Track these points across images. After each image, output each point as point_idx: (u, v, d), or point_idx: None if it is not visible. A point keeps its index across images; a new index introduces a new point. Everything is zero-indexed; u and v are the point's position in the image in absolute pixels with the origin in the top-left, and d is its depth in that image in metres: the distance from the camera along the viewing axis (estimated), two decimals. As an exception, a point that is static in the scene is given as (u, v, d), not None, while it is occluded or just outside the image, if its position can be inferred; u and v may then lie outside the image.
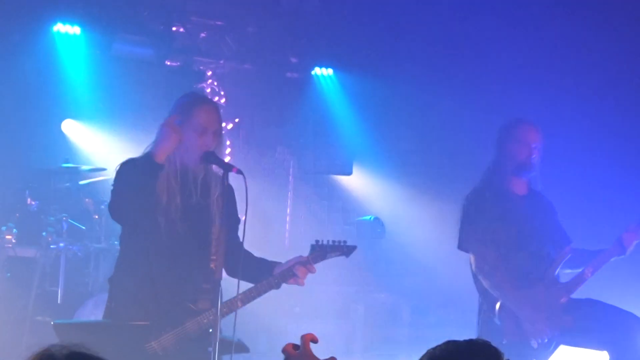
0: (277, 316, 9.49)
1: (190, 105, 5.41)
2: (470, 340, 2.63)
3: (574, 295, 6.55)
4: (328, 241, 5.54)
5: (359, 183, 11.40)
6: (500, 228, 6.46)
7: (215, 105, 5.57)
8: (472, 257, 6.51)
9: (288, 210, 11.34)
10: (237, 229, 5.51)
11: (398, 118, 10.99)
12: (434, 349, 2.64)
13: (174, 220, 5.25)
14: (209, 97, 10.70)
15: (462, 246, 6.59)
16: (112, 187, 5.33)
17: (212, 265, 5.20)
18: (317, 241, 5.52)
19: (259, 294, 5.35)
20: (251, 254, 5.55)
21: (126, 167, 5.28)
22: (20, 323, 8.32)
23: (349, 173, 11.35)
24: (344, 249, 5.58)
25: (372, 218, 10.71)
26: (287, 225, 11.28)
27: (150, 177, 5.18)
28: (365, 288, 10.49)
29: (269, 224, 10.69)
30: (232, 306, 5.25)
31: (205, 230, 5.33)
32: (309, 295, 9.97)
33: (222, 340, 5.13)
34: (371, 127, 11.06)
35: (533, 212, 6.61)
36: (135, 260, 5.28)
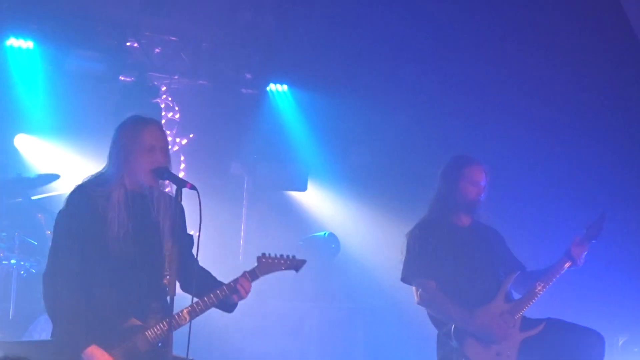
0: (230, 332, 9.45)
1: (135, 127, 5.40)
2: None
3: (533, 315, 6.60)
4: (275, 255, 5.53)
5: (314, 199, 11.43)
6: (444, 259, 6.55)
7: (159, 124, 5.54)
8: (414, 290, 6.59)
9: (242, 227, 11.36)
10: (190, 247, 5.50)
11: (352, 134, 11.04)
12: None
13: (124, 246, 5.27)
14: (163, 112, 10.68)
15: (405, 279, 6.67)
16: (59, 214, 5.33)
17: (165, 281, 5.15)
18: (263, 254, 5.52)
19: (206, 308, 5.35)
20: (208, 272, 5.55)
21: (76, 196, 5.31)
22: None
23: (304, 189, 11.40)
24: (293, 263, 5.58)
25: (326, 234, 10.79)
26: (242, 241, 11.26)
27: (100, 207, 5.24)
28: (320, 304, 10.54)
29: (223, 240, 10.66)
30: (179, 320, 5.26)
31: (157, 249, 5.33)
32: (263, 311, 9.96)
33: (176, 359, 5.11)
34: (326, 143, 11.10)
35: (478, 242, 6.72)
36: (83, 282, 5.25)
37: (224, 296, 5.37)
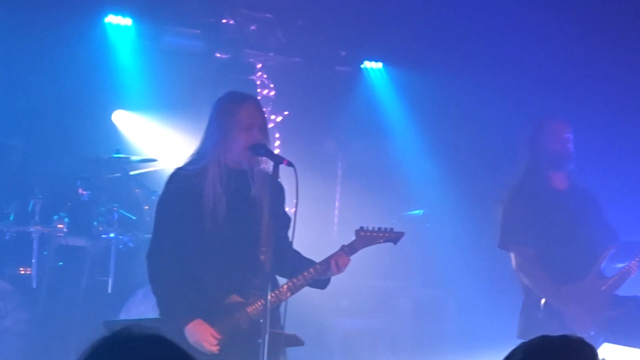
0: (323, 310, 9.46)
1: (233, 104, 5.47)
2: (565, 336, 2.63)
3: (621, 291, 6.58)
4: (373, 227, 5.57)
5: (409, 177, 11.42)
6: (541, 225, 6.55)
7: (257, 101, 5.61)
8: (512, 256, 6.60)
9: (337, 204, 11.43)
10: (287, 228, 5.54)
11: (448, 113, 10.95)
12: (528, 343, 2.63)
13: (221, 223, 5.34)
14: (259, 89, 10.81)
15: (502, 245, 6.70)
16: (159, 199, 5.49)
17: (261, 257, 5.23)
18: (361, 227, 5.56)
19: (305, 282, 5.43)
20: (300, 253, 5.60)
21: (173, 178, 5.44)
22: (70, 311, 8.42)
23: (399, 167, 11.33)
24: (392, 235, 5.65)
25: (421, 212, 10.80)
26: (336, 218, 11.32)
27: (197, 185, 5.34)
28: (413, 283, 10.52)
29: (318, 218, 10.70)
30: (280, 295, 5.34)
31: (254, 226, 5.39)
32: (357, 289, 10.03)
33: (275, 334, 5.22)
34: (421, 121, 11.06)
35: (575, 207, 6.67)
36: (184, 261, 5.36)
37: (323, 270, 5.44)
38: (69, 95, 9.51)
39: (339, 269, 5.45)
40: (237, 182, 5.42)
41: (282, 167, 5.29)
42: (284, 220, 5.56)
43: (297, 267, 5.47)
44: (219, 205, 5.33)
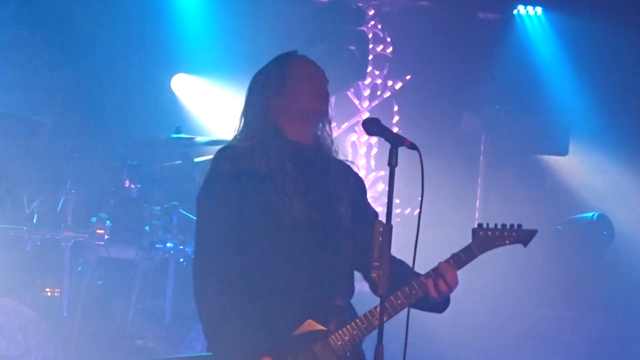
0: (454, 346, 9.47)
1: (277, 66, 5.52)
2: None
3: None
4: (495, 225, 5.50)
5: (578, 167, 11.39)
6: None
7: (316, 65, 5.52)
8: None
9: (477, 203, 11.42)
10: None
11: (635, 76, 10.68)
12: None
13: (295, 214, 5.31)
14: (371, 45, 10.70)
15: None
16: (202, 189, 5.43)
17: (373, 275, 5.06)
18: (479, 225, 5.50)
19: (407, 302, 5.31)
20: (406, 264, 5.39)
21: (220, 160, 5.39)
22: (114, 347, 8.44)
23: (564, 153, 11.35)
24: (520, 235, 5.53)
25: (595, 216, 10.69)
26: (476, 222, 11.19)
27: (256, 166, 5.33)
28: (586, 313, 10.50)
29: (451, 220, 10.57)
30: (372, 320, 5.26)
31: (343, 222, 5.38)
32: (504, 319, 9.90)
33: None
34: (597, 89, 10.91)
35: None
36: (242, 275, 5.29)
37: (434, 287, 5.28)
38: (113, 56, 9.72)
39: (441, 292, 5.32)
40: (312, 161, 5.46)
41: (401, 150, 5.10)
42: (370, 213, 5.51)
43: (398, 278, 5.26)
44: (290, 187, 5.36)
